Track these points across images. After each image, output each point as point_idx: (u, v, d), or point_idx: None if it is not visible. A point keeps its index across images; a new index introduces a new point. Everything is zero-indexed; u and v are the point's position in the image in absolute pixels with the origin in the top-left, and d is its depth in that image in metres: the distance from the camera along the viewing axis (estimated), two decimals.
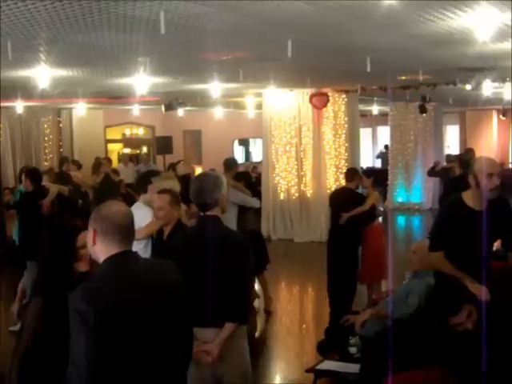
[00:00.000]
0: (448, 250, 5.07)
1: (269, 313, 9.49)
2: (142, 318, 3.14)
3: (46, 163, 18.63)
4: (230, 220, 8.07)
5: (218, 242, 4.38)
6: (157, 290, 3.26)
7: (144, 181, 6.78)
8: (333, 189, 13.54)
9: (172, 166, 15.13)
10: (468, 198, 5.11)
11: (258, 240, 9.22)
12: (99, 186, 13.72)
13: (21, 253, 8.81)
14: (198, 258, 4.36)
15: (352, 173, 9.47)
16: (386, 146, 24.82)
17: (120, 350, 3.07)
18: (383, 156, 24.70)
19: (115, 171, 16.12)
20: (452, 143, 26.43)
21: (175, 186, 6.60)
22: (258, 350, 7.72)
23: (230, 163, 9.61)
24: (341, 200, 9.14)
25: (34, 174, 9.15)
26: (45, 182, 9.73)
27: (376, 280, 9.32)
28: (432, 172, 15.89)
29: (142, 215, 6.05)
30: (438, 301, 5.25)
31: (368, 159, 25.02)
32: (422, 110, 17.83)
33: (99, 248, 3.32)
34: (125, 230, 3.30)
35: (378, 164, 25.62)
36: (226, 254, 4.35)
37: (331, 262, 9.12)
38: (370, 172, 10.02)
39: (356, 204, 9.02)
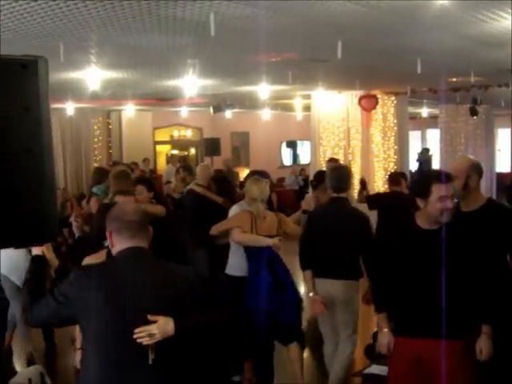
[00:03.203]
0: None
1: None
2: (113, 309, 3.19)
3: (95, 164, 18.85)
4: None
5: (348, 214, 6.04)
6: (141, 289, 3.24)
7: None
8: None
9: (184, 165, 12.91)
10: None
11: None
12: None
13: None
14: (334, 226, 5.93)
15: (398, 176, 9.56)
16: (427, 150, 24.48)
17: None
18: (424, 159, 24.39)
19: (152, 171, 15.59)
20: (503, 147, 25.98)
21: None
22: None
23: None
24: (393, 204, 9.02)
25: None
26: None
27: None
28: None
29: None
30: None
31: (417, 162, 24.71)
32: (473, 112, 17.50)
33: (117, 248, 3.37)
34: (135, 225, 3.32)
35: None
36: (354, 223, 5.95)
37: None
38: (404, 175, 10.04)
39: (409, 208, 8.97)
